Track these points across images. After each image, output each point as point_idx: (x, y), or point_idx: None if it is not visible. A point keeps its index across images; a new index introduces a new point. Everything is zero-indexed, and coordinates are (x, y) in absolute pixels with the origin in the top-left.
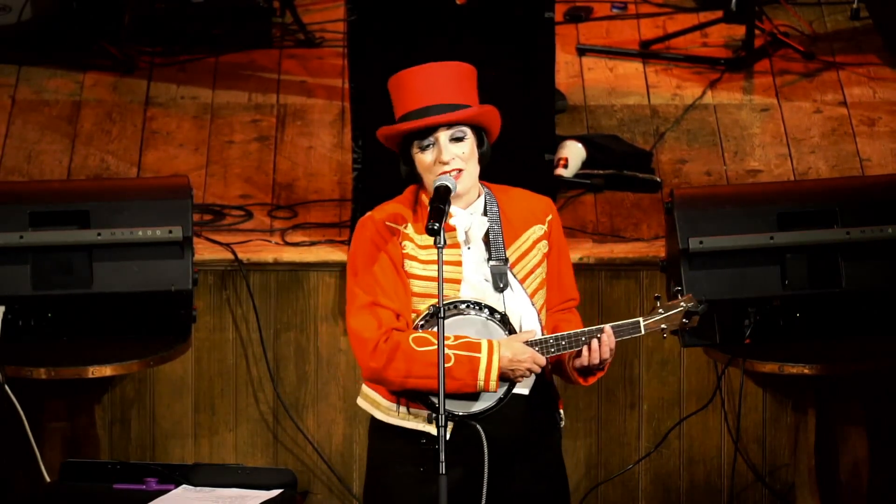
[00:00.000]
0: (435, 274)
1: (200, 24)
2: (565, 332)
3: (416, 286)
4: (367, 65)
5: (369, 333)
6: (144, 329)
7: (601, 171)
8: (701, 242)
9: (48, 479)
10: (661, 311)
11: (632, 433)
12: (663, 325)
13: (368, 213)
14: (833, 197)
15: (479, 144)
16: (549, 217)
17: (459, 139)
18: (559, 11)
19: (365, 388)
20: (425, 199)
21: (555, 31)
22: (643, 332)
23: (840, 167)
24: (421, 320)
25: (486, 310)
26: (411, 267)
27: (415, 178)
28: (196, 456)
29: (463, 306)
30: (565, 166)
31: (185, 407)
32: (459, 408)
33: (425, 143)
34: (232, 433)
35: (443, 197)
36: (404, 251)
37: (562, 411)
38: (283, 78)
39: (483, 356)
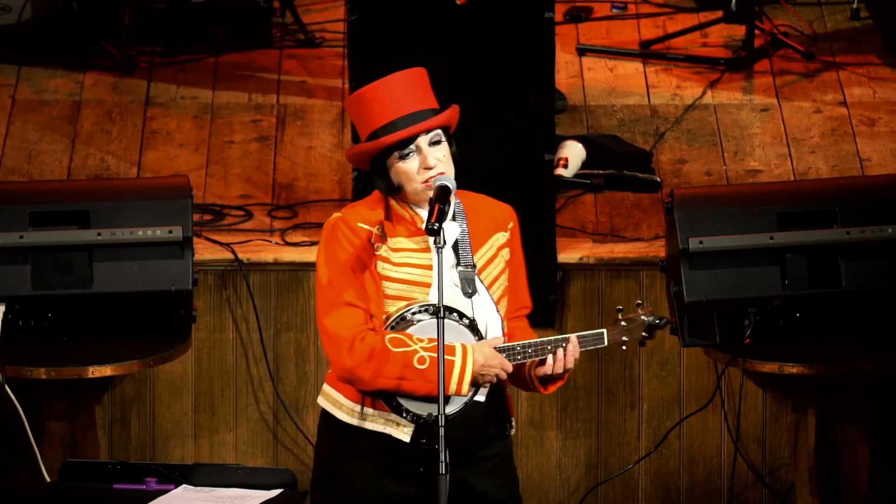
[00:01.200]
0: (408, 276)
1: (200, 24)
2: (532, 340)
3: (389, 288)
4: (367, 65)
5: (345, 332)
6: (144, 329)
7: (601, 171)
8: (701, 242)
9: (48, 479)
10: (622, 323)
11: (632, 433)
12: (624, 338)
13: (338, 215)
14: (833, 197)
15: (450, 145)
16: (511, 224)
17: (437, 143)
18: (559, 11)
19: (327, 388)
20: (395, 204)
21: (555, 31)
22: (606, 343)
23: (840, 167)
24: (392, 321)
25: (455, 314)
26: (383, 269)
27: (394, 190)
28: (196, 456)
29: (434, 310)
30: (565, 166)
31: (185, 407)
32: (425, 410)
33: (406, 151)
34: (232, 433)
35: (443, 197)
36: (377, 252)
37: (513, 419)
38: (283, 78)
39: (458, 360)
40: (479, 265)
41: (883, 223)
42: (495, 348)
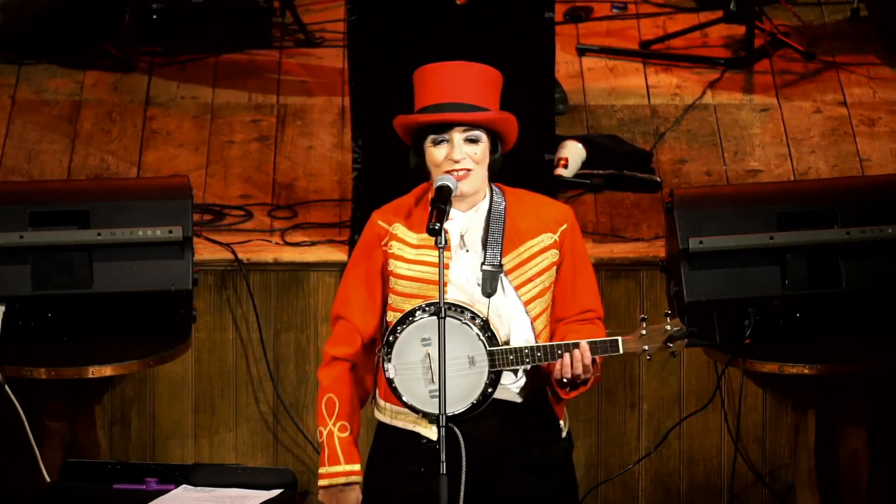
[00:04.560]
0: (421, 275)
1: (200, 24)
2: (542, 344)
3: (401, 286)
4: (367, 65)
5: (329, 348)
6: (144, 329)
7: (601, 171)
8: (701, 242)
9: (48, 479)
10: (642, 332)
11: (632, 433)
12: (645, 347)
13: (380, 208)
14: (833, 197)
15: (493, 150)
16: (563, 227)
17: (474, 141)
18: (559, 11)
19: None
20: (429, 199)
21: (555, 31)
22: (622, 351)
23: (840, 167)
24: (399, 319)
25: (467, 314)
26: (396, 267)
27: (422, 171)
28: (196, 456)
29: (436, 309)
30: (565, 166)
31: (185, 407)
32: (436, 408)
33: (439, 138)
34: (232, 433)
35: (444, 197)
36: (389, 251)
37: (562, 421)
38: (283, 78)
39: (325, 469)
40: (509, 266)
41: (883, 223)
42: (507, 349)
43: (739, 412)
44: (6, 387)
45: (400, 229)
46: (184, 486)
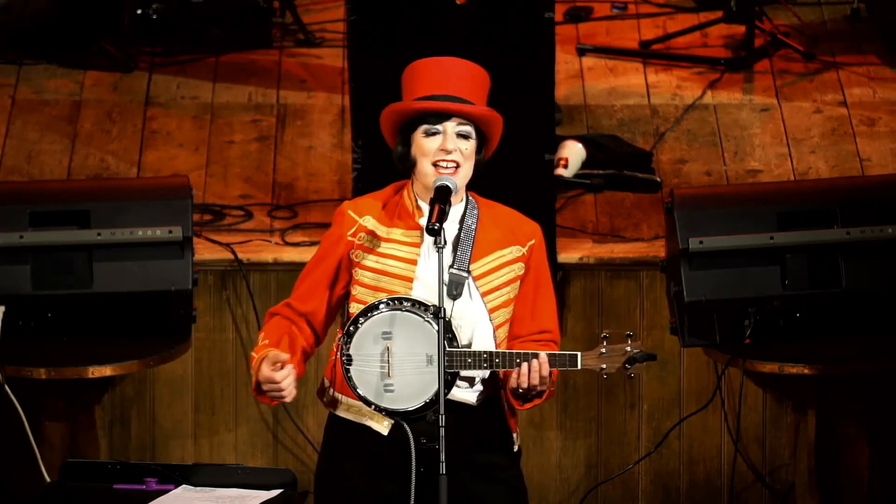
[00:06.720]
0: (388, 268)
1: (200, 24)
2: (500, 350)
3: (367, 277)
4: (367, 65)
5: (275, 306)
6: (144, 329)
7: (601, 171)
8: (701, 242)
9: (48, 479)
10: (602, 350)
11: (632, 433)
12: (603, 365)
13: (351, 200)
14: (833, 197)
15: (478, 151)
16: (532, 242)
17: (465, 136)
18: (559, 11)
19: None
20: (405, 194)
21: (555, 32)
22: (580, 366)
23: (840, 167)
24: (363, 311)
25: (429, 312)
26: (364, 258)
27: (405, 161)
28: (196, 456)
29: (407, 304)
30: (565, 166)
31: (185, 407)
32: (390, 403)
33: (433, 129)
34: (232, 433)
35: (444, 197)
36: (358, 241)
37: (515, 434)
38: (283, 78)
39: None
40: (477, 272)
41: (883, 223)
42: (469, 352)
43: (739, 412)
44: (6, 387)
45: (370, 221)
46: (184, 486)
